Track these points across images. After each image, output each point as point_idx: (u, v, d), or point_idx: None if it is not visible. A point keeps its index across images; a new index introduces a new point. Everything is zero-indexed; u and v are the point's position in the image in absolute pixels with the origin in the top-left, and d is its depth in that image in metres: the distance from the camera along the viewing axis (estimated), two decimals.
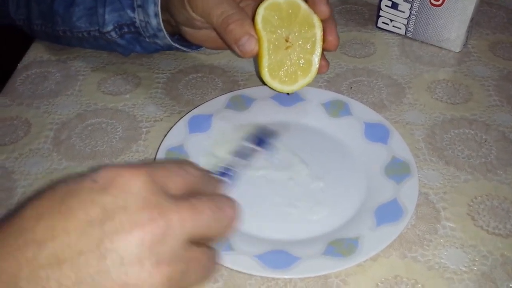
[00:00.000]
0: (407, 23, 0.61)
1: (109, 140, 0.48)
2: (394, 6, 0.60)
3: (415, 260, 0.38)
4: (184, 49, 0.53)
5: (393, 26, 0.62)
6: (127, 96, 0.53)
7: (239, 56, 0.44)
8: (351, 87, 0.54)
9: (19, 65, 0.57)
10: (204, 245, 0.27)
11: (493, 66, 0.57)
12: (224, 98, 0.49)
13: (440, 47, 0.60)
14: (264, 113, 0.49)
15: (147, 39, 0.52)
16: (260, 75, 0.45)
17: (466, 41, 0.60)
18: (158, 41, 0.51)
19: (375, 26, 0.64)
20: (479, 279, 0.36)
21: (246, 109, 0.49)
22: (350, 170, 0.44)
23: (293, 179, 0.43)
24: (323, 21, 0.43)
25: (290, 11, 0.42)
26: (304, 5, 0.42)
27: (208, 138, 0.46)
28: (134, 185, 0.24)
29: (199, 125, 0.46)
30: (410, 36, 0.61)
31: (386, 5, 0.61)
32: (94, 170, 0.25)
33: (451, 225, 0.40)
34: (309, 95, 0.50)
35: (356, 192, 0.42)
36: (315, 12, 0.42)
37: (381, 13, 0.62)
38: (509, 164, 0.45)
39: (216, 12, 0.41)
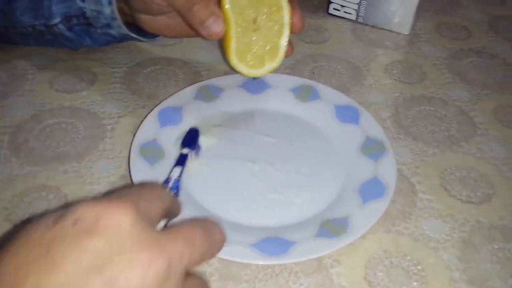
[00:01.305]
0: (358, 8, 0.62)
1: (71, 140, 0.45)
2: None
3: (400, 234, 0.39)
4: (140, 38, 0.51)
5: (344, 12, 0.63)
6: (84, 93, 0.50)
7: (204, 38, 0.42)
8: (313, 72, 0.55)
9: None
10: (193, 274, 0.26)
11: (441, 46, 0.60)
12: (191, 89, 0.48)
13: (390, 31, 0.62)
14: (234, 102, 0.48)
15: (98, 30, 0.49)
16: (226, 58, 0.44)
17: (414, 24, 0.62)
18: (112, 32, 0.49)
19: (326, 13, 0.65)
20: (461, 245, 0.38)
21: (216, 99, 0.48)
22: (326, 152, 0.44)
23: (272, 165, 0.42)
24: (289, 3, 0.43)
25: None
26: None
27: (181, 130, 0.44)
28: (124, 223, 0.22)
29: (170, 118, 0.45)
30: (361, 21, 0.63)
31: None
32: (66, 207, 0.22)
33: (427, 197, 0.42)
34: (276, 82, 0.49)
35: (336, 173, 0.42)
36: None
37: None
38: (469, 136, 0.48)
39: None
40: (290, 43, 0.45)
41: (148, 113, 0.45)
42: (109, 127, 0.47)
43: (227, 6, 0.41)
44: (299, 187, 0.41)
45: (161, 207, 0.26)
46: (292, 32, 0.44)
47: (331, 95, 0.48)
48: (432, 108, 0.51)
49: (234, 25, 0.41)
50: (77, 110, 0.48)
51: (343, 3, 0.63)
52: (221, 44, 0.45)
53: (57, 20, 0.48)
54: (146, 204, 0.24)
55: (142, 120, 0.44)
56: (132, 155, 0.41)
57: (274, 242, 0.35)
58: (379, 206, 0.38)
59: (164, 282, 0.21)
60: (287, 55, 0.45)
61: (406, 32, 0.62)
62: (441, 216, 0.40)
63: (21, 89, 0.50)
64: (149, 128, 0.43)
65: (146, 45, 0.56)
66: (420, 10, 0.65)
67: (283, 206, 0.39)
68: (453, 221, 0.40)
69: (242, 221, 0.38)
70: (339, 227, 0.37)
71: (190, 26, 0.42)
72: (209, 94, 0.48)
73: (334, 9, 0.64)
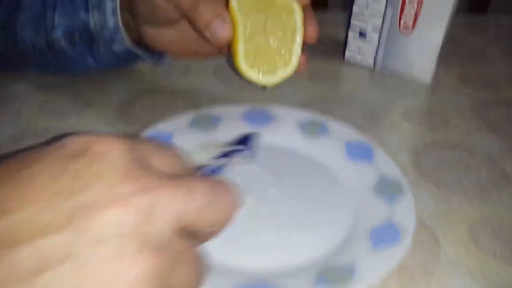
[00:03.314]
0: (375, 54, 0.59)
1: None
2: (362, 35, 0.59)
3: None
4: (144, 55, 0.47)
5: (361, 58, 0.60)
6: (73, 118, 0.46)
7: (211, 43, 0.38)
8: (324, 113, 0.50)
9: None
10: (194, 239, 0.21)
11: (465, 95, 0.55)
12: (186, 116, 0.43)
13: (410, 79, 0.58)
14: (232, 133, 0.43)
15: (101, 47, 0.46)
16: (234, 63, 0.39)
17: (436, 73, 0.58)
18: (115, 47, 0.45)
19: (342, 60, 0.61)
20: None
21: (213, 128, 0.43)
22: (333, 191, 0.38)
23: (269, 202, 0.37)
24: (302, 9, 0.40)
25: None
26: None
27: None
28: (114, 153, 0.20)
29: None
30: (379, 68, 0.59)
31: (353, 35, 0.59)
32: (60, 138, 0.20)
33: (453, 251, 0.35)
34: (282, 114, 0.45)
35: (344, 213, 0.36)
36: None
37: (348, 44, 0.60)
38: (500, 185, 0.42)
39: None
40: (304, 55, 0.40)
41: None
42: None
43: (234, 8, 0.37)
44: (298, 227, 0.35)
45: (171, 164, 0.22)
46: (306, 41, 0.40)
47: (341, 131, 0.43)
48: (457, 155, 0.45)
49: (242, 28, 0.38)
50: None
51: (360, 50, 0.59)
52: (229, 49, 0.40)
53: (59, 33, 0.45)
54: (151, 150, 0.22)
55: None
56: None
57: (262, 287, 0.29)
58: (393, 254, 0.31)
59: (145, 224, 0.18)
60: (300, 69, 0.40)
61: (428, 81, 0.58)
62: (470, 274, 0.33)
63: (9, 110, 0.47)
64: None
65: (149, 74, 0.53)
66: (443, 60, 0.61)
67: (277, 248, 0.33)
68: (484, 279, 0.33)
69: (223, 262, 0.31)
70: (343, 275, 0.30)
71: (196, 29, 0.38)
72: (206, 123, 0.43)
73: (351, 55, 0.60)
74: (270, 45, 0.39)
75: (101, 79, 0.52)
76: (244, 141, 0.38)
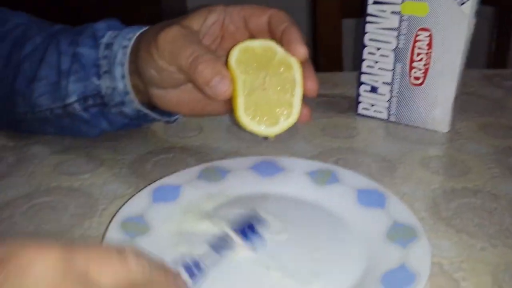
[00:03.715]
0: (389, 106, 0.58)
1: (57, 218, 0.41)
2: (374, 90, 0.59)
3: None
4: (154, 115, 0.49)
5: (374, 111, 0.60)
6: (86, 176, 0.47)
7: (212, 99, 0.39)
8: (337, 163, 0.49)
9: None
10: None
11: (486, 144, 0.53)
12: (194, 169, 0.43)
13: (426, 129, 0.57)
14: (240, 184, 0.42)
15: (112, 110, 0.47)
16: (235, 117, 0.39)
17: (453, 122, 0.57)
18: (126, 110, 0.47)
19: (356, 113, 0.61)
20: None
21: (221, 179, 0.43)
22: (344, 237, 0.36)
23: (275, 250, 0.35)
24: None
25: (266, 54, 0.39)
26: (280, 49, 0.39)
27: (175, 208, 0.39)
28: (39, 265, 0.17)
29: (165, 195, 0.40)
30: (394, 119, 0.59)
31: (365, 90, 0.59)
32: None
33: None
34: (291, 165, 0.44)
35: (355, 260, 0.34)
36: (292, 55, 0.39)
37: (360, 98, 0.60)
38: None
39: (185, 53, 0.38)
40: (306, 107, 0.40)
41: None
42: (101, 207, 0.42)
43: (233, 65, 0.38)
44: (309, 275, 0.33)
45: (119, 275, 0.19)
46: (306, 95, 0.40)
47: (352, 178, 0.42)
48: (479, 201, 0.43)
49: (242, 83, 0.38)
50: (74, 191, 0.45)
51: (373, 102, 0.59)
52: (230, 104, 0.41)
53: (73, 99, 0.48)
54: (91, 258, 0.19)
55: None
56: (109, 231, 0.35)
57: None
58: None
59: None
60: (303, 120, 0.40)
61: (445, 130, 0.56)
62: None
63: (24, 170, 0.48)
64: (139, 202, 0.38)
65: (162, 133, 0.54)
66: (460, 111, 0.60)
67: None
68: None
69: None
70: None
71: (198, 87, 0.39)
72: (214, 175, 0.43)
73: (364, 108, 0.60)
74: (270, 98, 0.39)
75: (116, 140, 0.53)
76: (248, 230, 0.37)
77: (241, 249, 0.35)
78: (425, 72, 0.55)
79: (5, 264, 0.17)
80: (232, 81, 0.38)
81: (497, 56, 1.01)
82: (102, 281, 0.18)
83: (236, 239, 0.35)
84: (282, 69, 0.39)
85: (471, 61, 0.56)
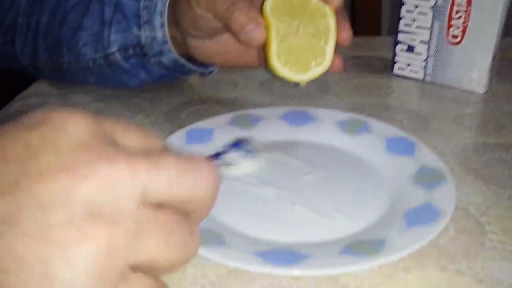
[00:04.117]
0: (425, 66, 0.58)
1: None
2: (410, 49, 0.58)
3: (460, 273, 0.29)
4: (191, 66, 0.50)
5: (410, 71, 0.59)
6: None
7: (246, 45, 0.40)
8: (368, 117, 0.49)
9: (17, 97, 0.55)
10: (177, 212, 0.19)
11: None
12: (227, 116, 0.45)
13: (462, 90, 0.56)
14: (271, 131, 0.44)
15: (152, 60, 0.49)
16: (268, 63, 0.40)
17: (490, 84, 0.56)
18: (164, 59, 0.49)
19: (391, 74, 0.61)
20: None
21: (252, 126, 0.44)
22: (371, 181, 0.37)
23: (303, 188, 0.36)
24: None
25: (300, 2, 0.40)
26: None
27: (208, 150, 0.40)
28: (71, 124, 0.18)
29: (199, 137, 0.42)
30: (429, 80, 0.58)
31: (401, 49, 0.59)
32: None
33: (499, 238, 0.32)
34: (322, 115, 0.45)
35: (380, 199, 0.35)
36: (326, 3, 0.40)
37: (396, 58, 0.60)
38: None
39: (221, 0, 0.39)
40: (338, 57, 0.41)
41: None
42: None
43: (268, 12, 0.39)
44: (331, 208, 0.34)
45: (142, 143, 0.20)
46: (340, 44, 0.41)
47: (382, 128, 0.42)
48: (510, 156, 0.43)
49: (276, 30, 0.39)
50: None
51: (409, 61, 0.59)
52: (264, 51, 0.42)
53: (114, 48, 0.50)
54: (119, 127, 0.20)
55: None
56: None
57: (284, 253, 0.28)
58: (429, 231, 0.30)
59: (98, 192, 0.17)
60: (335, 69, 0.41)
61: (482, 91, 0.55)
62: None
63: None
64: (174, 142, 0.40)
65: (198, 86, 0.56)
66: (498, 75, 0.59)
67: (308, 223, 0.32)
68: None
69: (250, 232, 0.31)
70: (370, 248, 0.29)
71: (233, 33, 0.40)
72: (245, 121, 0.44)
73: (400, 68, 0.60)
74: (303, 46, 0.40)
75: (154, 91, 0.55)
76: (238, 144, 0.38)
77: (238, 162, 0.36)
78: (464, 31, 0.54)
79: (40, 124, 0.18)
80: (266, 27, 0.39)
81: None
82: (128, 144, 0.20)
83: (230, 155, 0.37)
84: (316, 17, 0.40)
85: (510, 29, 0.55)
